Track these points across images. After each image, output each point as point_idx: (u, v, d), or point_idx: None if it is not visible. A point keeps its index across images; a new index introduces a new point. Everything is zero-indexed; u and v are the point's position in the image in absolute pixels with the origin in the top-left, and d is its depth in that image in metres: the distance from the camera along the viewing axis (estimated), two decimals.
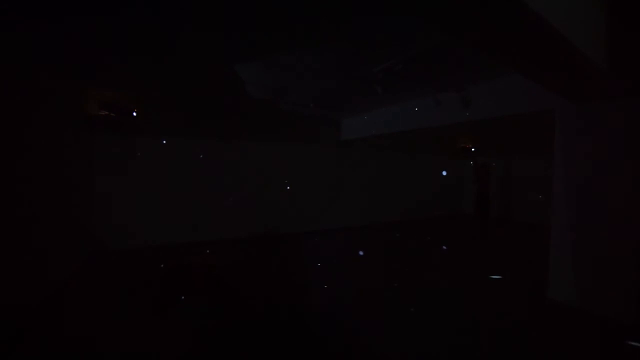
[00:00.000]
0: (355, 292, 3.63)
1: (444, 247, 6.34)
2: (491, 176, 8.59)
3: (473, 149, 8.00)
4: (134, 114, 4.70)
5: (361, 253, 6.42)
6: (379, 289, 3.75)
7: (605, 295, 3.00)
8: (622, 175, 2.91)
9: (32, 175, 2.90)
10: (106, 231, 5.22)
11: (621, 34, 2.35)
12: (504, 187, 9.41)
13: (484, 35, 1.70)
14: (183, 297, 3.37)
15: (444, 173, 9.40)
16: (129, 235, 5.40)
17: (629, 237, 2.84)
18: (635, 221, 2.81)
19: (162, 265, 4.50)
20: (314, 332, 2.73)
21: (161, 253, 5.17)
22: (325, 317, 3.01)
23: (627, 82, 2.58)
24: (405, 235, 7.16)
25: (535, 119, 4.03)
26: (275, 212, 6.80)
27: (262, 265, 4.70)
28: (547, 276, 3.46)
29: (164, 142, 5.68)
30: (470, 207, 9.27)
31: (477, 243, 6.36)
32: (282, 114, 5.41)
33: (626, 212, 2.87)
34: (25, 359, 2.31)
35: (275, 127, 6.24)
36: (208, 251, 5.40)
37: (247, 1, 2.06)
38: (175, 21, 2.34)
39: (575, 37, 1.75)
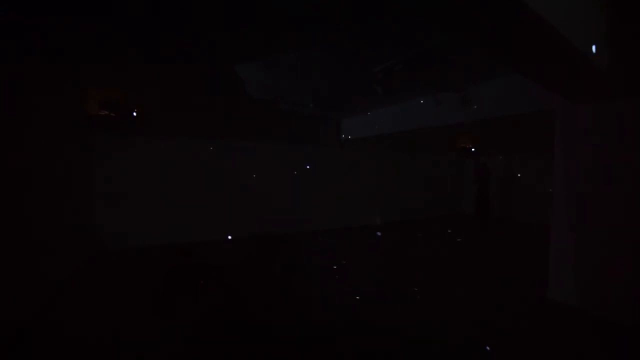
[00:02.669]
0: (356, 291, 3.63)
1: (449, 231, 6.41)
2: (491, 176, 8.61)
3: (473, 149, 8.00)
4: (134, 114, 4.70)
5: (379, 234, 6.52)
6: (378, 288, 3.75)
7: (605, 295, 3.00)
8: (622, 175, 2.90)
9: (32, 175, 2.90)
10: (106, 231, 5.22)
11: (621, 34, 2.35)
12: (504, 187, 9.40)
13: (483, 35, 1.70)
14: (183, 297, 3.37)
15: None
16: (129, 235, 5.40)
17: (629, 237, 2.84)
18: (635, 221, 2.81)
19: (162, 265, 4.50)
20: (315, 332, 2.72)
21: (161, 253, 5.17)
22: (326, 317, 3.01)
23: (627, 82, 2.58)
24: (404, 235, 7.15)
25: (535, 119, 4.03)
26: (275, 212, 6.80)
27: (262, 266, 4.70)
28: (547, 276, 3.46)
29: (164, 142, 5.68)
30: (470, 207, 9.28)
31: (477, 243, 6.36)
32: (282, 114, 5.41)
33: (626, 213, 2.87)
34: (25, 359, 2.31)
35: (275, 127, 6.24)
36: (226, 241, 5.39)
37: (247, 1, 2.06)
38: (175, 21, 2.34)
39: (575, 37, 1.74)
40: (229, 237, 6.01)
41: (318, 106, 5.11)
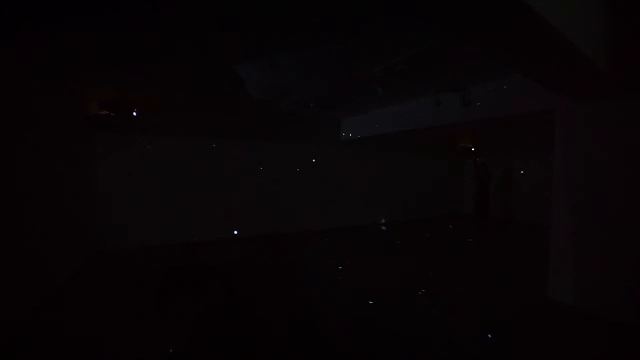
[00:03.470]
0: (356, 291, 3.63)
1: (450, 226, 6.38)
2: (491, 176, 8.62)
3: (473, 149, 8.00)
4: (134, 113, 4.70)
5: (384, 228, 6.88)
6: (379, 288, 3.74)
7: (605, 295, 2.99)
8: (622, 175, 2.90)
9: (32, 175, 2.90)
10: (106, 231, 5.22)
11: (621, 33, 2.35)
12: (504, 187, 9.40)
13: (484, 35, 1.70)
14: (183, 297, 3.37)
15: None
16: (129, 235, 5.40)
17: (629, 237, 2.84)
18: (636, 221, 2.81)
19: (162, 265, 4.50)
20: (315, 332, 2.72)
21: (161, 253, 5.17)
22: (326, 317, 3.01)
23: (627, 81, 2.58)
24: (404, 235, 7.15)
25: (535, 119, 4.03)
26: (276, 212, 6.80)
27: (262, 265, 4.70)
28: (547, 277, 3.46)
29: (164, 141, 5.67)
30: (470, 207, 9.28)
31: (477, 243, 6.36)
32: (282, 114, 5.41)
33: (626, 212, 2.87)
34: (25, 359, 2.31)
35: (275, 127, 6.23)
36: (226, 241, 5.39)
37: (248, 1, 2.06)
38: (174, 20, 2.34)
39: (576, 37, 1.74)
40: (235, 232, 6.04)
41: (318, 106, 5.10)
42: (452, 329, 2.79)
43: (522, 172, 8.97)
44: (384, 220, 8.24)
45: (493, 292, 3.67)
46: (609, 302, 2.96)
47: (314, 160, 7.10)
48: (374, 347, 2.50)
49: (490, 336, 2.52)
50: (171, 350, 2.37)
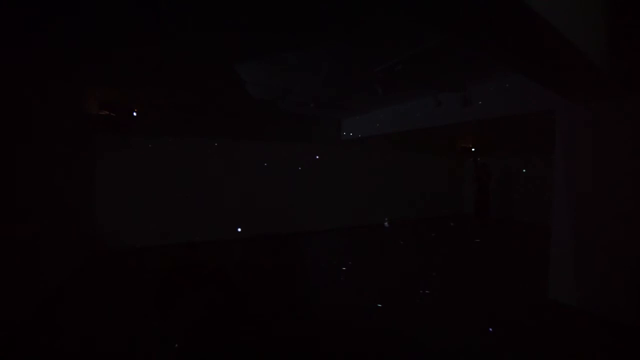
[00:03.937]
0: (357, 293, 3.63)
1: (452, 224, 6.36)
2: (491, 176, 8.61)
3: (473, 149, 8.00)
4: (134, 114, 4.70)
5: (387, 225, 7.24)
6: (379, 288, 3.75)
7: (606, 295, 2.99)
8: (622, 175, 2.90)
9: (32, 175, 2.90)
10: (106, 231, 5.22)
11: (621, 34, 2.36)
12: (504, 187, 9.39)
13: (483, 35, 1.70)
14: (182, 298, 3.37)
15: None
16: (129, 235, 5.39)
17: (630, 237, 2.84)
18: (636, 221, 2.81)
19: (161, 266, 4.50)
20: (315, 331, 2.73)
21: (161, 253, 5.17)
22: (326, 316, 3.01)
23: (627, 81, 2.58)
24: (405, 234, 7.15)
25: (535, 119, 4.03)
26: (275, 212, 6.80)
27: (262, 265, 4.69)
28: (548, 277, 3.46)
29: (164, 141, 5.67)
30: (470, 207, 9.28)
31: (477, 243, 6.36)
32: (282, 113, 5.41)
33: (627, 212, 2.86)
34: (25, 359, 2.31)
35: (275, 127, 6.23)
36: (227, 242, 5.39)
37: (248, 0, 2.06)
38: (174, 20, 2.34)
39: (576, 38, 1.74)
40: (239, 229, 6.06)
41: (318, 106, 5.10)
42: (453, 328, 2.79)
43: (524, 171, 8.94)
44: (386, 219, 8.23)
45: (494, 292, 3.66)
46: (609, 302, 2.96)
47: (317, 157, 7.09)
48: (375, 347, 2.50)
49: (490, 329, 2.52)
50: (176, 345, 2.37)
